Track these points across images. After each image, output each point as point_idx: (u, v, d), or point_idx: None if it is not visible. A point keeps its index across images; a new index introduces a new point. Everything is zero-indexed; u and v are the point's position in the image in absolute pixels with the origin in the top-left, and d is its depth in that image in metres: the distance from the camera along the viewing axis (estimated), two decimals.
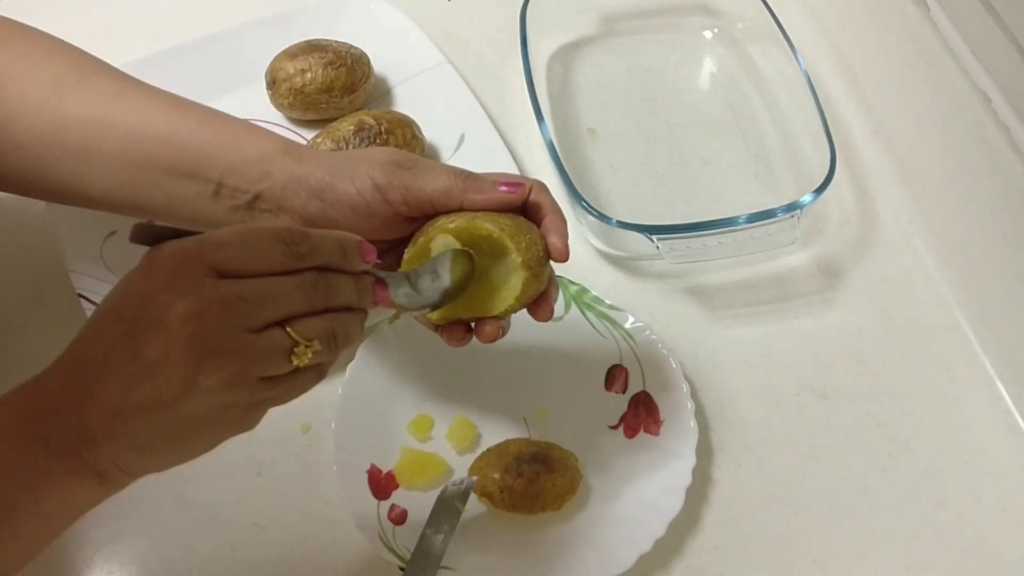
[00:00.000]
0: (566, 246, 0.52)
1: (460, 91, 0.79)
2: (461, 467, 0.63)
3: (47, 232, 0.69)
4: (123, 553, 0.61)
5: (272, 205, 0.55)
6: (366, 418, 0.63)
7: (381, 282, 0.49)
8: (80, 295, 0.66)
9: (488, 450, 0.63)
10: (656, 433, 0.64)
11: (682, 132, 0.81)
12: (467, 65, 0.82)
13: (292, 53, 0.76)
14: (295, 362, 0.44)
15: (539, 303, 0.53)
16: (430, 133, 0.76)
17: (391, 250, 0.54)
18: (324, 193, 0.53)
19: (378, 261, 0.48)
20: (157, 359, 0.40)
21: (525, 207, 0.54)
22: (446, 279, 0.51)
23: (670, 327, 0.71)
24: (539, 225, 0.53)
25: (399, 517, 0.61)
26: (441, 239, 0.52)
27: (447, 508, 0.58)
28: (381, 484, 0.62)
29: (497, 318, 0.52)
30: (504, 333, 0.53)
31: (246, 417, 0.44)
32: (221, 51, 0.80)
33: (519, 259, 0.50)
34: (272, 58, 0.77)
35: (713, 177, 0.79)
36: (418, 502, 0.61)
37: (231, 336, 0.41)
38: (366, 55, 0.78)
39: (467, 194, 0.52)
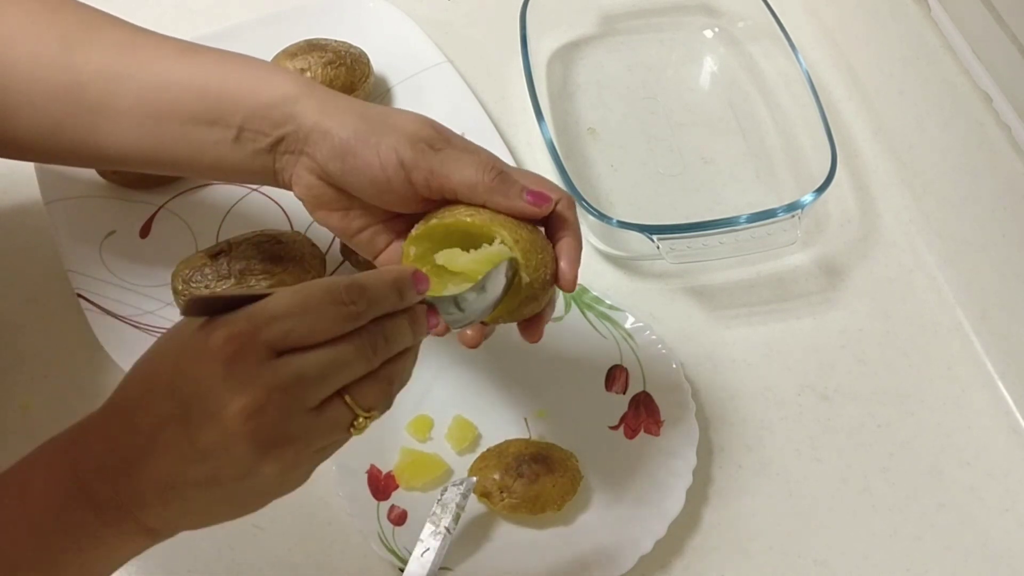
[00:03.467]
0: (575, 277, 0.50)
1: (460, 90, 0.79)
2: (461, 467, 0.63)
3: (46, 232, 0.69)
4: None
5: (294, 148, 0.53)
6: None
7: (432, 308, 0.46)
8: (79, 295, 0.66)
9: (488, 450, 0.63)
10: (656, 433, 0.64)
11: (683, 132, 0.81)
12: (467, 64, 0.81)
13: (292, 52, 0.76)
14: (354, 433, 0.43)
15: (530, 324, 0.52)
16: None
17: (396, 218, 0.53)
18: (346, 157, 0.51)
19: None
20: (215, 449, 0.39)
21: (547, 218, 0.52)
22: (495, 293, 0.48)
23: (670, 327, 0.71)
24: (556, 241, 0.52)
25: (399, 518, 0.60)
26: (496, 245, 0.49)
27: (447, 509, 0.58)
28: (381, 485, 0.62)
29: (484, 324, 0.51)
30: (485, 338, 0.52)
31: (303, 479, 0.44)
32: None
33: (526, 279, 0.48)
34: (272, 57, 0.77)
35: (714, 177, 0.79)
36: (418, 503, 0.61)
37: (291, 423, 0.40)
38: (366, 54, 0.78)
39: (492, 195, 0.50)
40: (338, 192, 0.54)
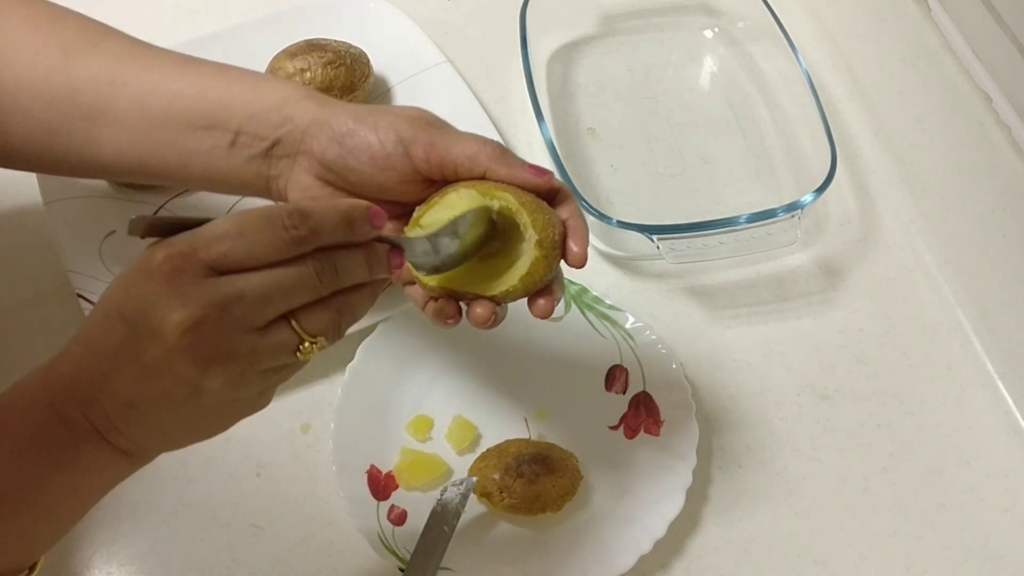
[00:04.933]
0: (585, 252, 0.50)
1: (460, 91, 0.78)
2: (461, 467, 0.63)
3: (46, 232, 0.69)
4: (122, 554, 0.60)
5: (290, 150, 0.53)
6: (365, 418, 0.63)
7: (396, 248, 0.46)
8: (79, 295, 0.66)
9: (488, 450, 0.63)
10: (656, 433, 0.64)
11: (683, 132, 0.81)
12: (467, 64, 0.81)
13: (292, 52, 0.76)
14: (300, 358, 0.43)
15: (542, 294, 0.50)
16: None
17: (404, 215, 0.52)
18: (344, 139, 0.51)
19: (388, 225, 0.46)
20: (160, 365, 0.40)
21: (548, 199, 0.51)
22: (469, 236, 0.48)
23: (670, 327, 0.71)
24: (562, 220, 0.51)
25: (399, 518, 0.60)
26: (465, 191, 0.48)
27: (447, 509, 0.58)
28: (381, 485, 0.62)
29: (495, 300, 0.50)
30: (497, 322, 0.50)
31: (257, 401, 0.45)
32: (221, 50, 0.79)
33: (535, 237, 0.47)
34: (272, 57, 0.77)
35: (714, 177, 0.79)
36: (418, 503, 0.61)
37: (231, 340, 0.41)
38: (365, 54, 0.78)
39: (493, 163, 0.49)
40: (336, 192, 0.54)
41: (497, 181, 0.50)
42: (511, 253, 0.49)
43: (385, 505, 0.61)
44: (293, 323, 0.42)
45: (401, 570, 0.57)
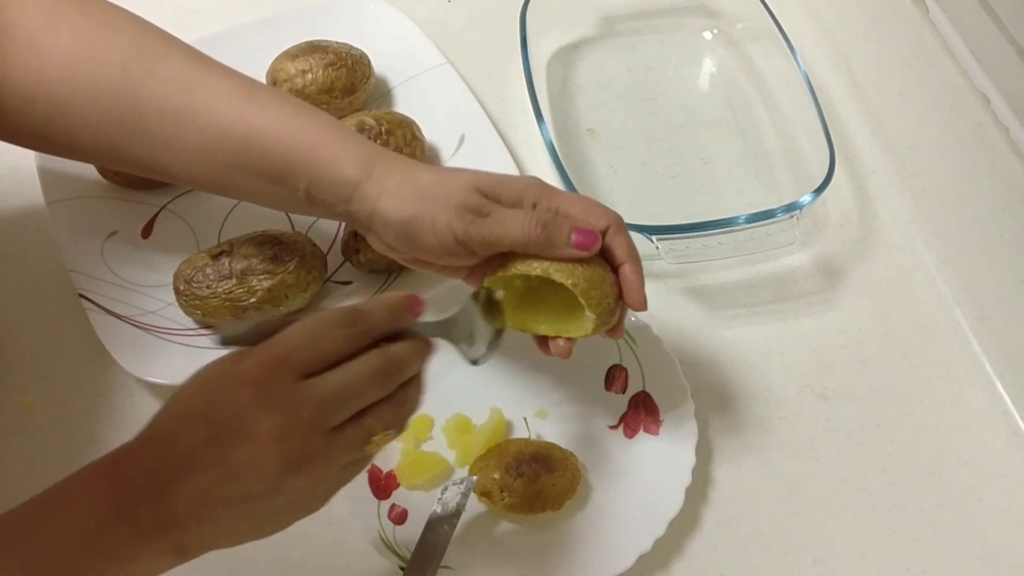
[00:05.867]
0: (643, 298, 0.54)
1: (460, 91, 0.79)
2: (461, 467, 0.63)
3: (48, 232, 0.70)
4: None
5: (363, 226, 0.57)
6: None
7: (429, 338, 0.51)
8: (81, 295, 0.66)
9: (488, 450, 0.63)
10: (656, 433, 0.64)
11: (682, 132, 0.81)
12: (467, 65, 0.82)
13: (293, 54, 0.76)
14: (371, 451, 0.47)
15: (610, 332, 0.56)
16: (430, 134, 0.76)
17: (476, 268, 0.56)
18: (408, 240, 0.54)
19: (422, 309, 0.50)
20: (245, 464, 0.43)
21: (601, 250, 0.54)
22: (484, 333, 0.53)
23: (670, 327, 0.71)
24: (615, 268, 0.54)
25: (399, 517, 0.61)
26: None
27: (447, 508, 0.59)
28: (381, 484, 0.62)
29: (568, 339, 0.55)
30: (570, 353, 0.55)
31: (324, 500, 0.48)
32: (222, 52, 0.79)
33: (592, 316, 0.53)
34: (273, 59, 0.77)
35: (713, 177, 0.79)
36: (418, 502, 0.61)
37: (314, 441, 0.44)
38: (366, 56, 0.78)
39: (542, 250, 0.52)
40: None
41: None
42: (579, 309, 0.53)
43: (386, 504, 0.61)
44: (364, 419, 0.46)
45: (402, 569, 0.58)
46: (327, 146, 0.55)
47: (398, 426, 0.48)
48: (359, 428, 0.46)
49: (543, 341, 0.56)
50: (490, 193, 0.54)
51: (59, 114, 0.55)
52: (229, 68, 0.58)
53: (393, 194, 0.54)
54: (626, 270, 0.54)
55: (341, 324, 0.46)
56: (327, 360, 0.45)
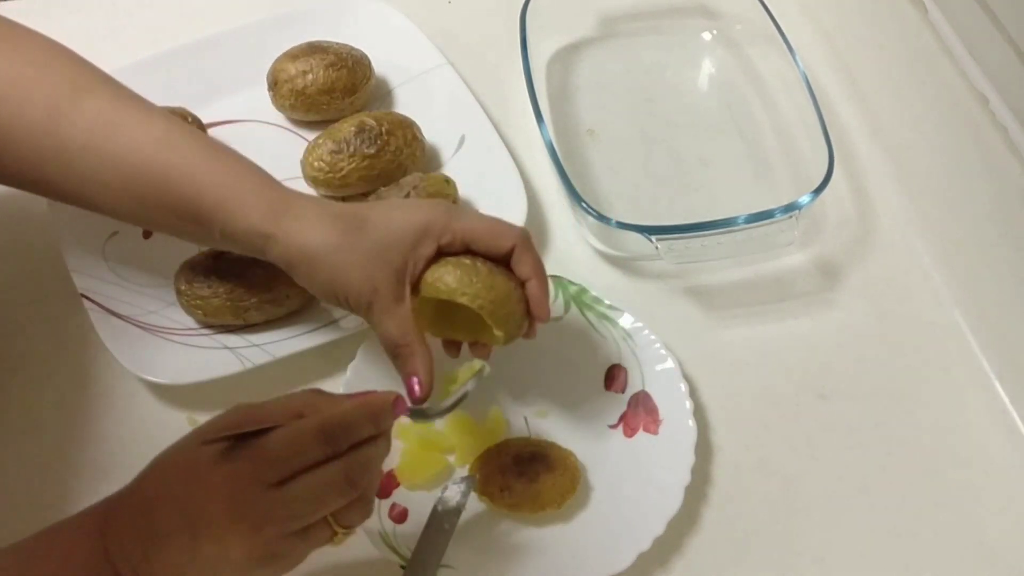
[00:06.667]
0: (548, 312, 0.58)
1: (460, 92, 0.79)
2: (462, 466, 0.63)
3: (49, 232, 0.70)
4: None
5: (286, 268, 0.57)
6: None
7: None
8: (82, 295, 0.66)
9: (488, 450, 0.63)
10: (655, 432, 0.64)
11: (681, 133, 0.81)
12: (467, 66, 0.82)
13: (293, 55, 0.77)
14: (336, 543, 0.50)
15: (525, 336, 0.59)
16: (430, 134, 0.76)
17: None
18: (323, 296, 0.58)
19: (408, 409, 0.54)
20: (215, 557, 0.46)
21: (508, 267, 0.58)
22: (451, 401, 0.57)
23: (669, 327, 0.71)
24: (524, 283, 0.58)
25: (400, 516, 0.61)
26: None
27: (447, 507, 0.59)
28: (382, 483, 0.62)
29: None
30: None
31: (292, 568, 0.50)
32: (223, 52, 0.81)
33: (500, 335, 0.57)
34: (274, 60, 0.77)
35: (712, 178, 0.79)
36: (419, 501, 0.61)
37: (283, 544, 0.47)
38: (367, 56, 0.79)
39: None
40: None
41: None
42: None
43: (386, 503, 0.61)
44: (331, 519, 0.49)
45: (402, 568, 0.58)
46: (234, 196, 0.56)
47: (362, 522, 0.51)
48: (325, 528, 0.49)
49: (453, 344, 0.61)
50: (399, 269, 0.56)
51: None
52: (155, 108, 0.59)
53: (302, 259, 0.56)
54: (531, 286, 0.57)
55: (322, 442, 0.48)
56: (300, 468, 0.47)
